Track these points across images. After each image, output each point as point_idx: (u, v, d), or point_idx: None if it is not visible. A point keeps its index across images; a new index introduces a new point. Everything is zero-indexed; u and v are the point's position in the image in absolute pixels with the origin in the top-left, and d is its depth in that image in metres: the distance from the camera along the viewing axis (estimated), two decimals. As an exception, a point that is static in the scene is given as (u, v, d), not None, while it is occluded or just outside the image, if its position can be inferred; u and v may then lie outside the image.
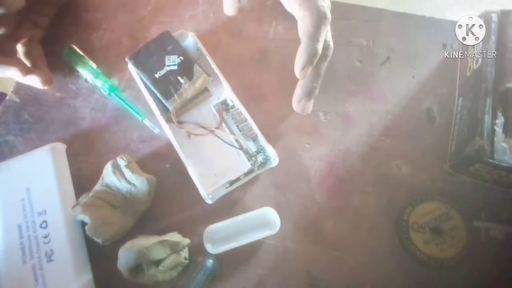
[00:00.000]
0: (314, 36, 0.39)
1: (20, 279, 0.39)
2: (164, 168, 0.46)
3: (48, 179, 0.43)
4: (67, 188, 0.44)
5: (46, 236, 0.41)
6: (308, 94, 0.42)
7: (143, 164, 0.45)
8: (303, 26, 0.39)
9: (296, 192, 0.45)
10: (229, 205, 0.44)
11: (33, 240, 0.41)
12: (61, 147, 0.47)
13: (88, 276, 0.41)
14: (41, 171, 0.43)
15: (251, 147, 0.45)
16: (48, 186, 0.43)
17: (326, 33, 0.41)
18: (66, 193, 0.44)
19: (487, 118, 0.40)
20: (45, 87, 0.47)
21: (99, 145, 0.48)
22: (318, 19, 0.39)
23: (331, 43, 0.42)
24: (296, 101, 0.43)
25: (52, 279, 0.39)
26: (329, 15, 0.39)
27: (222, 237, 0.42)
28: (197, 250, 0.42)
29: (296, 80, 0.49)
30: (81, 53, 0.50)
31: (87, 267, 0.42)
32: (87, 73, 0.48)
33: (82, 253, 0.42)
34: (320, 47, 0.39)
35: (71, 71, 0.51)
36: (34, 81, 0.46)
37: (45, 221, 0.41)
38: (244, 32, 0.52)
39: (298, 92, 0.43)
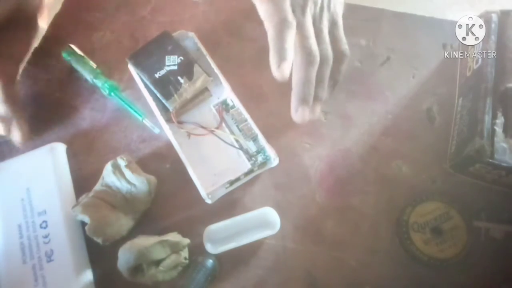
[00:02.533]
0: (304, 80, 0.35)
1: (20, 279, 0.39)
2: (164, 168, 0.46)
3: (48, 179, 0.43)
4: (67, 188, 0.44)
5: (46, 236, 0.41)
6: (302, 100, 0.36)
7: (143, 164, 0.45)
8: (294, 67, 0.35)
9: (296, 192, 0.45)
10: (229, 205, 0.44)
11: (33, 240, 0.41)
12: (61, 147, 0.47)
13: (88, 276, 0.41)
14: (41, 171, 0.43)
15: (251, 147, 0.45)
16: (48, 186, 0.43)
17: (339, 34, 0.38)
18: (66, 193, 0.44)
19: (487, 118, 0.40)
20: (20, 144, 0.43)
21: (99, 145, 0.48)
22: (308, 60, 0.35)
23: (344, 48, 0.38)
24: (293, 110, 0.37)
25: (52, 279, 0.39)
26: (317, 55, 0.35)
27: (222, 237, 0.42)
28: (197, 250, 0.42)
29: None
30: (81, 53, 0.50)
31: (87, 267, 0.42)
32: (87, 73, 0.48)
33: (82, 253, 0.42)
34: (312, 89, 0.35)
35: (71, 71, 0.50)
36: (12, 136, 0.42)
37: (45, 221, 0.41)
38: (244, 32, 0.52)
39: (292, 99, 0.37)
